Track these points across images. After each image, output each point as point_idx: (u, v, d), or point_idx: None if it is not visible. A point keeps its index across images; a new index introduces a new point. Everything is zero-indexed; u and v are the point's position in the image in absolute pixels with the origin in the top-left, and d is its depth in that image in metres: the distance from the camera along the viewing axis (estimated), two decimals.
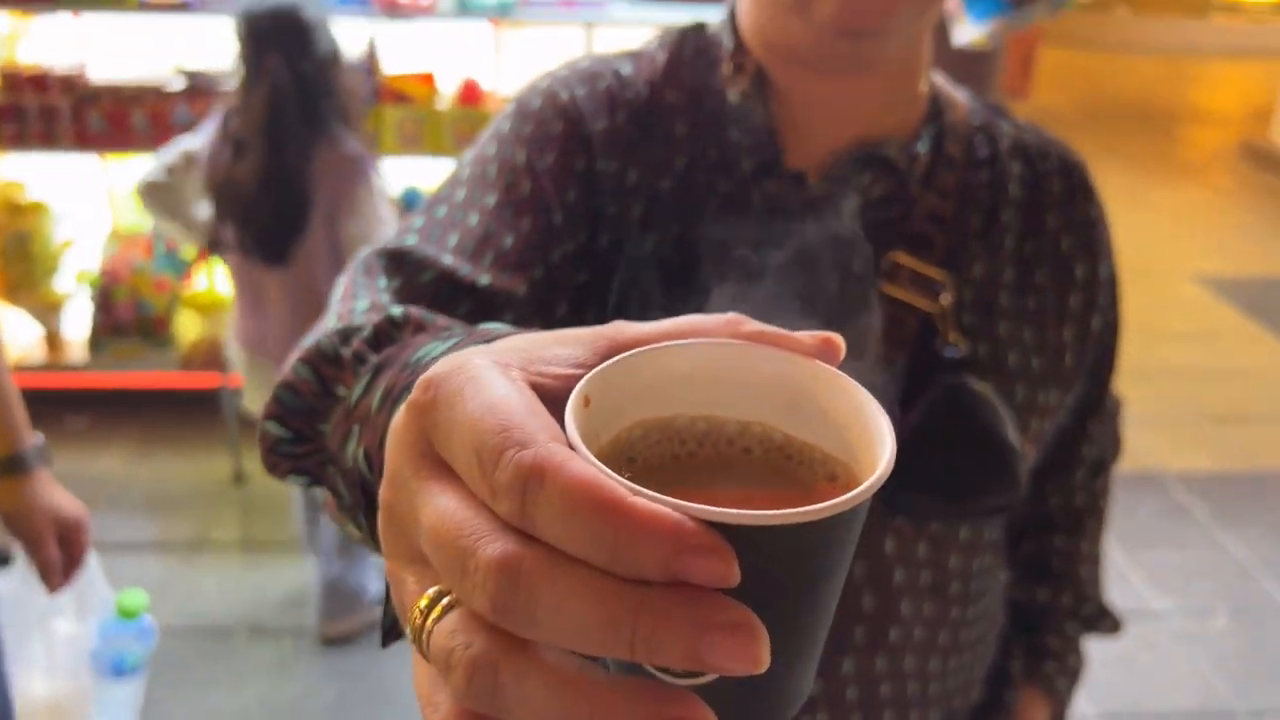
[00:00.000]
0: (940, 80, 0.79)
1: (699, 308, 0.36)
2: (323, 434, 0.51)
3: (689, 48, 0.77)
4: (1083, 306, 0.78)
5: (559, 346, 0.33)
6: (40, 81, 2.79)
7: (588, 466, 0.27)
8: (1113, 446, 0.91)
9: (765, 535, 0.26)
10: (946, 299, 0.72)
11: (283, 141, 2.08)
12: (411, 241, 0.67)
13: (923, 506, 0.72)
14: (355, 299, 0.61)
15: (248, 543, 2.75)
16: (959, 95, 0.79)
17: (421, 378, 0.31)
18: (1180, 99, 8.29)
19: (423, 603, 0.30)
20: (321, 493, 0.53)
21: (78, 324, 3.17)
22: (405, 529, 0.32)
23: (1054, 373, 0.77)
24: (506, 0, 2.80)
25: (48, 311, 3.15)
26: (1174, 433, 3.49)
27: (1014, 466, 0.71)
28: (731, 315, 0.34)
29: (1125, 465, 0.94)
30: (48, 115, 2.79)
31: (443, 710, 0.29)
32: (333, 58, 2.13)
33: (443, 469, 0.30)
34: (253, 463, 2.92)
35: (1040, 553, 0.92)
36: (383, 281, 0.64)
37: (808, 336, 0.34)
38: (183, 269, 3.17)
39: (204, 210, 2.21)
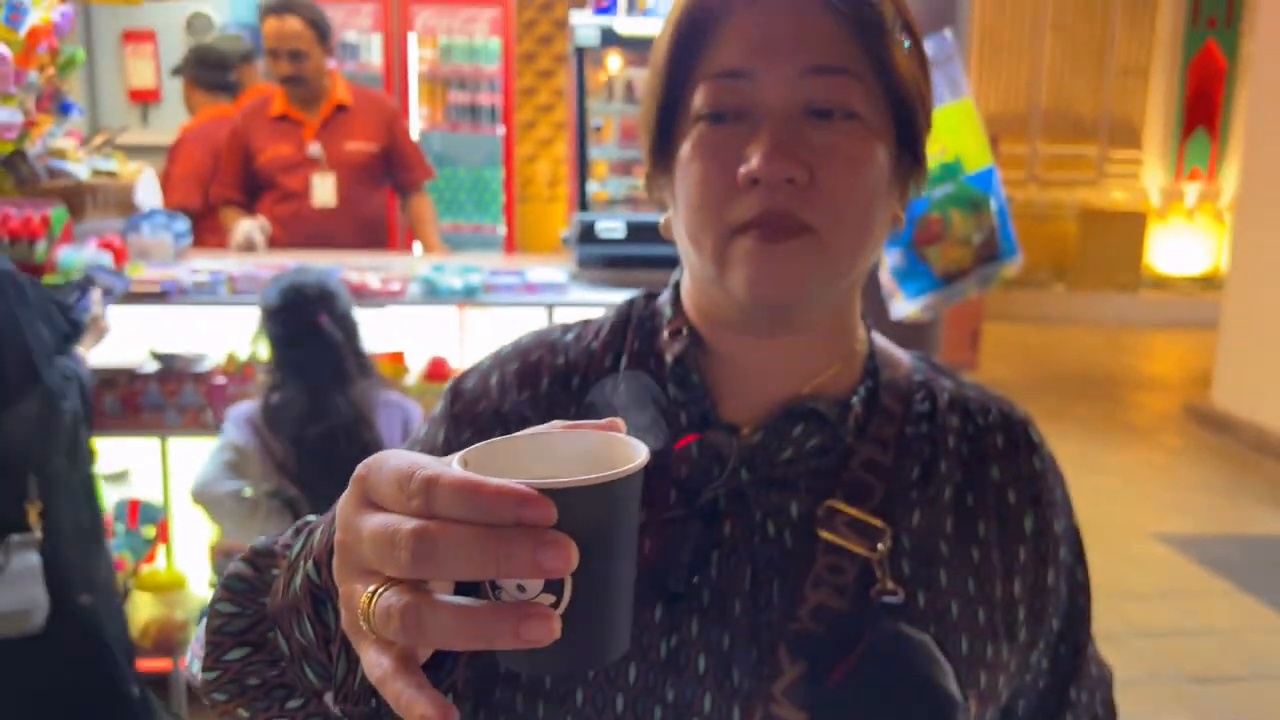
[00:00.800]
0: (882, 341, 0.83)
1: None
2: (264, 605, 0.62)
3: (635, 315, 0.84)
4: (1034, 560, 0.78)
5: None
6: None
7: (466, 472, 0.44)
8: (1105, 715, 0.87)
9: (569, 495, 0.44)
10: (884, 546, 0.73)
11: (348, 391, 2.29)
12: None
13: None
14: None
15: None
16: (901, 355, 0.84)
17: (359, 466, 0.48)
18: (1121, 367, 8.70)
19: (367, 594, 0.46)
20: None
21: None
22: (354, 553, 0.47)
23: (1004, 627, 0.76)
24: (472, 285, 2.98)
25: None
26: (1154, 695, 3.40)
27: (953, 718, 0.70)
28: (610, 420, 0.52)
29: None
30: None
31: (384, 663, 0.46)
32: (355, 317, 2.39)
33: (375, 506, 0.47)
34: None
35: None
36: None
37: (605, 422, 0.51)
38: (144, 549, 3.13)
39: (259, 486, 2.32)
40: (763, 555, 0.73)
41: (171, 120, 5.38)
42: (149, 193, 3.22)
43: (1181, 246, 10.85)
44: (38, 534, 2.17)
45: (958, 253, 3.05)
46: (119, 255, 2.92)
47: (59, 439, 2.22)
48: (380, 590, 0.45)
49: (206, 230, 4.33)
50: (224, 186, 3.90)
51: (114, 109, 6.65)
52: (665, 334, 0.80)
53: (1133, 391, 7.86)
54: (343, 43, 6.34)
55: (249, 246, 3.51)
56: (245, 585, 0.63)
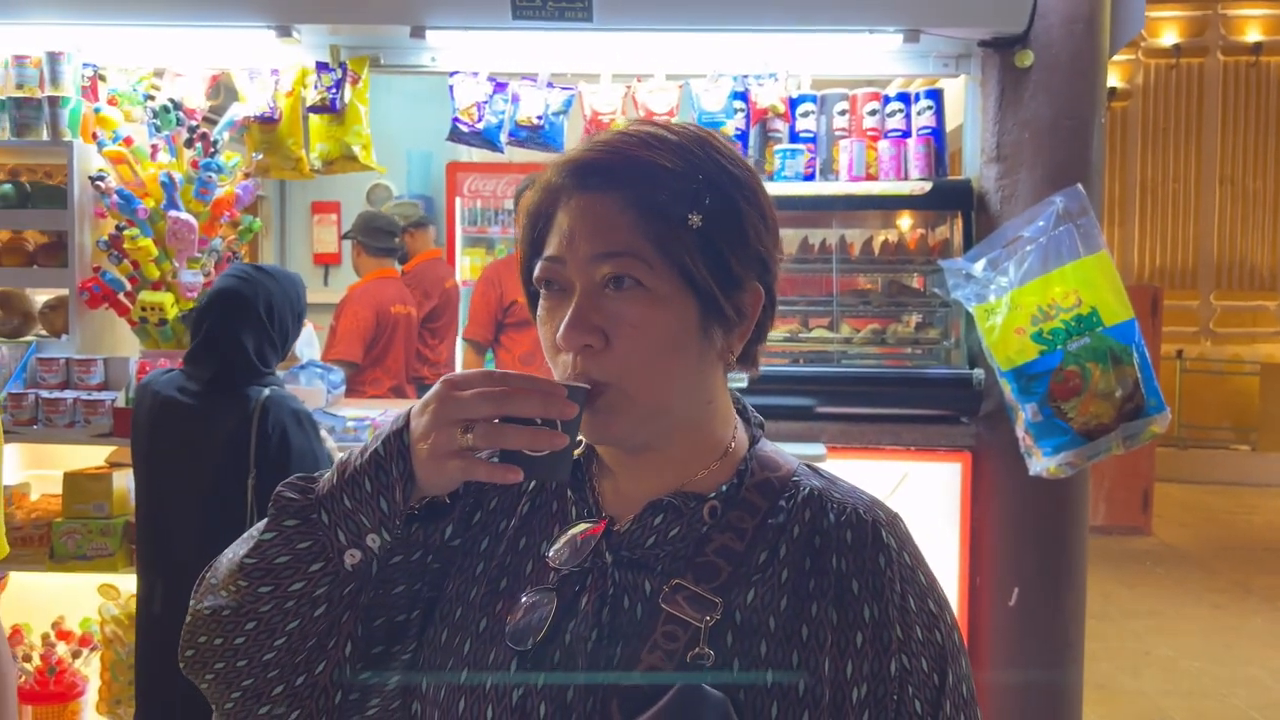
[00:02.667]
0: (770, 449, 0.97)
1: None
2: (313, 493, 0.88)
3: None
4: (872, 647, 0.86)
5: None
6: None
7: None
8: None
9: (569, 389, 0.82)
10: (711, 618, 0.85)
11: None
12: None
13: None
14: None
15: None
16: (787, 461, 0.96)
17: (441, 380, 0.84)
18: None
19: (461, 430, 0.81)
20: None
21: None
22: (449, 412, 0.81)
23: (828, 701, 0.85)
24: None
25: None
26: None
27: None
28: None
29: None
30: None
31: (467, 465, 0.82)
32: None
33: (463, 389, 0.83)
34: None
35: None
36: None
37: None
38: None
39: None
40: (610, 624, 0.88)
41: (347, 280, 5.83)
42: (308, 346, 3.48)
43: None
44: None
45: (1099, 407, 2.92)
46: None
47: None
48: (471, 426, 0.81)
49: (367, 382, 4.63)
50: (479, 327, 4.56)
51: (300, 271, 7.24)
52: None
53: None
54: (504, 209, 6.78)
55: None
56: (301, 484, 0.89)
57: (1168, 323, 8.72)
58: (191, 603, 0.91)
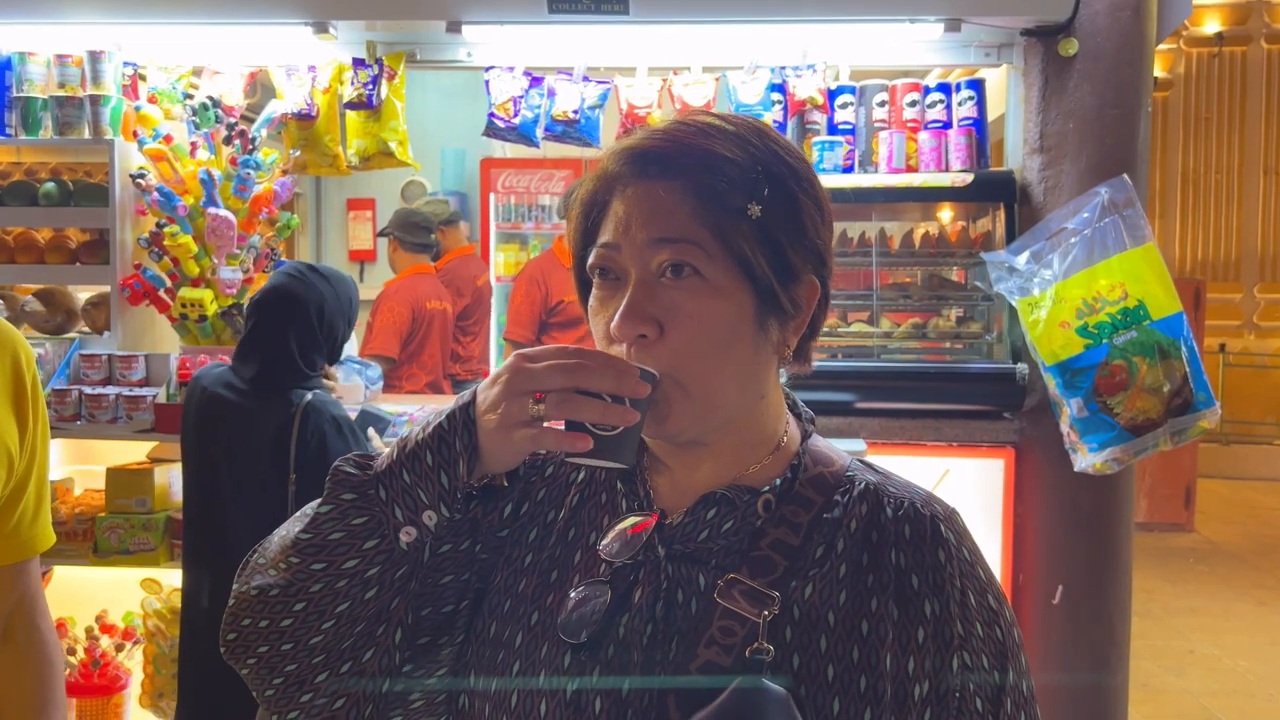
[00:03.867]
0: (821, 444, 0.96)
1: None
2: (370, 468, 0.87)
3: None
4: (934, 643, 0.85)
5: None
6: None
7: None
8: None
9: (641, 372, 0.82)
10: (769, 612, 0.84)
11: None
12: None
13: None
14: None
15: None
16: (839, 456, 0.96)
17: (513, 357, 0.83)
18: None
19: (534, 400, 0.81)
20: None
21: None
22: (521, 384, 0.81)
23: (891, 697, 0.84)
24: None
25: None
26: None
27: None
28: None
29: None
30: None
31: (535, 434, 0.81)
32: None
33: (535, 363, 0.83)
34: None
35: None
36: None
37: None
38: None
39: None
40: (665, 618, 0.87)
41: (382, 277, 5.86)
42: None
43: None
44: None
45: (1146, 402, 2.86)
46: None
47: None
48: (542, 399, 0.81)
49: (404, 377, 4.64)
50: (521, 327, 4.52)
51: (336, 266, 7.30)
52: None
53: None
54: (538, 205, 6.78)
55: None
56: (360, 459, 0.88)
57: (1210, 316, 8.55)
58: (235, 585, 0.90)
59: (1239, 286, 10.48)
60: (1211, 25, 10.59)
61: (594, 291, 0.90)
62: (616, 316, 0.85)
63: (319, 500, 0.88)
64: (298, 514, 0.91)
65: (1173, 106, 10.67)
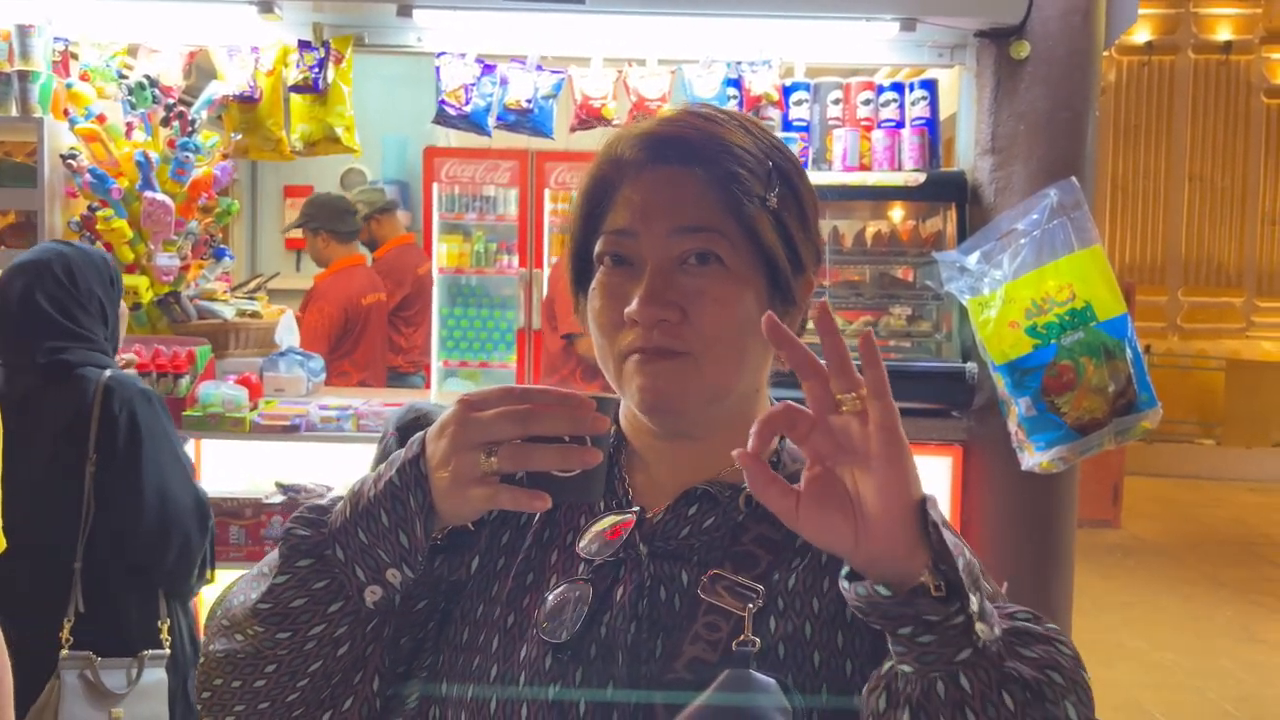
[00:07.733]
0: (790, 444, 0.93)
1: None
2: (325, 527, 0.81)
3: None
4: None
5: None
6: None
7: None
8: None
9: (597, 400, 0.76)
10: (753, 605, 0.83)
11: None
12: None
13: None
14: None
15: None
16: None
17: (461, 397, 0.78)
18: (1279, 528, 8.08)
19: (485, 454, 0.75)
20: None
21: None
22: (468, 436, 0.75)
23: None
24: None
25: None
26: None
27: None
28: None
29: None
30: None
31: (490, 492, 0.75)
32: None
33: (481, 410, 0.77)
34: None
35: None
36: None
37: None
38: None
39: None
40: (648, 615, 0.85)
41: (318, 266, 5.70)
42: (288, 332, 3.40)
43: None
44: (168, 650, 2.23)
45: (1091, 402, 2.91)
46: (254, 391, 3.07)
47: (194, 562, 2.30)
48: (494, 449, 0.74)
49: (333, 374, 4.50)
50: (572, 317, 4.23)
51: (272, 255, 7.13)
52: None
53: None
54: (483, 196, 6.68)
55: None
56: (312, 517, 0.83)
57: (1137, 318, 8.77)
58: (203, 641, 0.87)
59: (1164, 289, 10.80)
60: (1141, 34, 10.87)
61: (600, 277, 0.88)
62: (637, 302, 0.83)
63: (275, 560, 0.83)
64: (255, 572, 0.86)
65: (1104, 113, 10.92)
